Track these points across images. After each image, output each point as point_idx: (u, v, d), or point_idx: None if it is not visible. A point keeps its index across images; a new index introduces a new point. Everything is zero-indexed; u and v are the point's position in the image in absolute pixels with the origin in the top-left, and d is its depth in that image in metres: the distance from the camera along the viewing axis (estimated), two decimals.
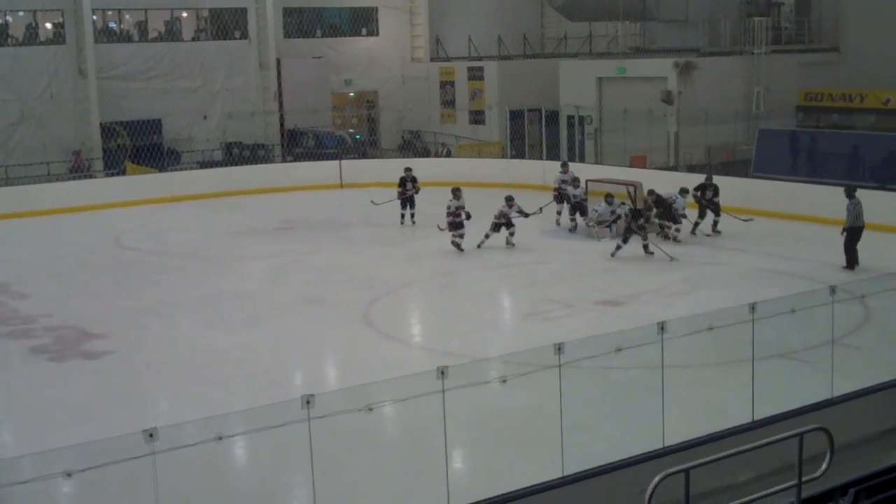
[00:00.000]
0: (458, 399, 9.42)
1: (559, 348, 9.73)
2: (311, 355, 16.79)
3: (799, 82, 36.54)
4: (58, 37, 37.67)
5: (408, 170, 26.43)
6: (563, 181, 25.37)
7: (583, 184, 24.93)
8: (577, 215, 24.54)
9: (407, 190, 26.01)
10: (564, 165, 26.28)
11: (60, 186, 32.65)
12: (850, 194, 20.48)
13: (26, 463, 9.56)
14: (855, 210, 20.12)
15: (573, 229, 24.53)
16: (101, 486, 9.97)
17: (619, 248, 21.75)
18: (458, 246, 22.60)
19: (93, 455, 8.56)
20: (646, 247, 21.74)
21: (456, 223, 22.63)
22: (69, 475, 8.21)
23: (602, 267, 21.51)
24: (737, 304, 13.64)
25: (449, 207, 22.68)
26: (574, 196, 24.60)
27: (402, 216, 26.12)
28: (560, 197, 25.46)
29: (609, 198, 23.44)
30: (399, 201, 26.16)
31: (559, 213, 25.48)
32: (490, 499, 9.24)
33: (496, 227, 22.80)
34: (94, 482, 8.80)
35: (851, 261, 20.05)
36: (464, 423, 11.54)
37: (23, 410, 14.36)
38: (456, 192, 22.78)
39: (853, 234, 20.13)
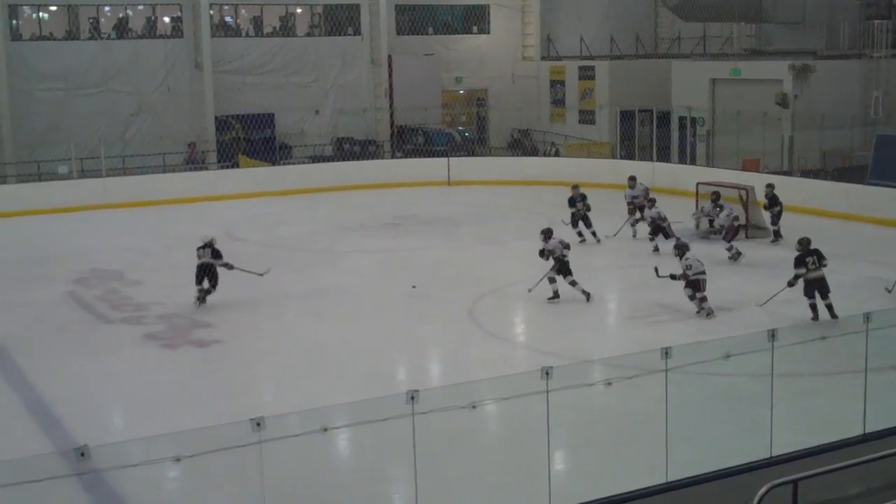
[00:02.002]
0: (562, 400, 9.37)
1: (666, 353, 9.61)
2: (415, 351, 16.88)
3: None
4: (176, 31, 38.48)
5: (575, 188, 24.49)
6: (634, 196, 24.55)
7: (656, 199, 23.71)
8: (660, 237, 22.77)
9: (578, 209, 24.10)
10: (632, 180, 25.07)
11: (175, 177, 33.35)
12: None
13: (136, 447, 9.76)
14: None
15: (657, 249, 22.64)
16: (208, 472, 10.17)
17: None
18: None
19: (201, 441, 8.71)
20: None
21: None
22: (178, 460, 8.36)
23: (710, 272, 21.17)
24: (850, 313, 13.35)
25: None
26: (651, 218, 23.07)
27: (580, 234, 23.93)
28: (634, 209, 24.74)
29: (715, 195, 22.98)
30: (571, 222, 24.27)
31: (633, 224, 24.48)
32: (591, 502, 9.16)
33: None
34: (202, 468, 8.96)
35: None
36: (567, 425, 11.48)
37: (134, 395, 14.71)
38: (681, 250, 18.26)
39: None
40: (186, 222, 27.58)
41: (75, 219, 28.63)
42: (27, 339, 17.16)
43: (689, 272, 17.67)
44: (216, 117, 37.94)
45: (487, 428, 12.75)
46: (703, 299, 17.75)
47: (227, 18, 40.27)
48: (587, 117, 41.14)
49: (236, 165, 35.64)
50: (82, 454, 7.68)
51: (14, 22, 36.26)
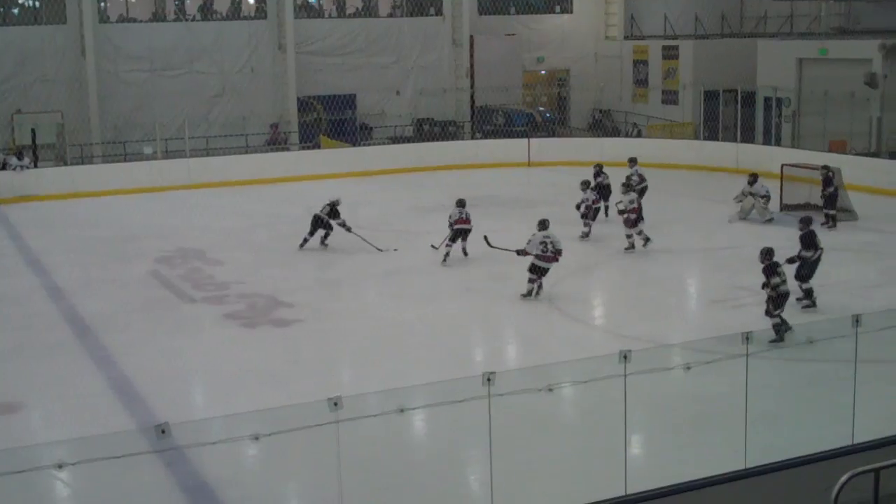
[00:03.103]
0: (640, 384, 9.28)
1: (747, 337, 9.46)
2: (493, 332, 16.86)
3: None
4: (259, 12, 38.79)
5: (596, 166, 24.76)
6: (629, 176, 24.15)
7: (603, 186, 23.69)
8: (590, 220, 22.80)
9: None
10: (631, 161, 24.84)
11: (257, 158, 33.69)
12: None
13: (216, 425, 9.89)
14: None
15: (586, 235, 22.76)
16: (285, 450, 10.26)
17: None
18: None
19: (279, 420, 8.80)
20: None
21: None
22: (256, 438, 8.45)
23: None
24: None
25: None
26: (584, 199, 22.71)
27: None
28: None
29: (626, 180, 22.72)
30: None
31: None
32: (668, 487, 9.09)
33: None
34: (280, 446, 9.04)
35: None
36: (644, 409, 11.38)
37: (215, 373, 14.92)
38: (539, 226, 18.91)
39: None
40: (268, 203, 27.87)
41: (159, 199, 29.07)
42: (111, 317, 17.48)
43: (528, 248, 18.02)
44: (298, 98, 38.20)
45: (564, 411, 12.70)
46: (532, 280, 17.91)
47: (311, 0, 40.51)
48: (670, 97, 40.63)
49: (318, 146, 35.83)
50: (163, 431, 7.80)
51: (102, 4, 36.85)
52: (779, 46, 37.07)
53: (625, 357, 9.00)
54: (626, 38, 43.81)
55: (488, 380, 8.60)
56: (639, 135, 39.05)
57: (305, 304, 18.02)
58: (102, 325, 17.03)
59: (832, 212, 23.07)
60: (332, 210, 21.87)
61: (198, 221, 25.77)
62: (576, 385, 10.33)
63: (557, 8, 44.06)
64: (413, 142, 37.04)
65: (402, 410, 8.94)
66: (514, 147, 34.05)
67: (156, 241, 23.28)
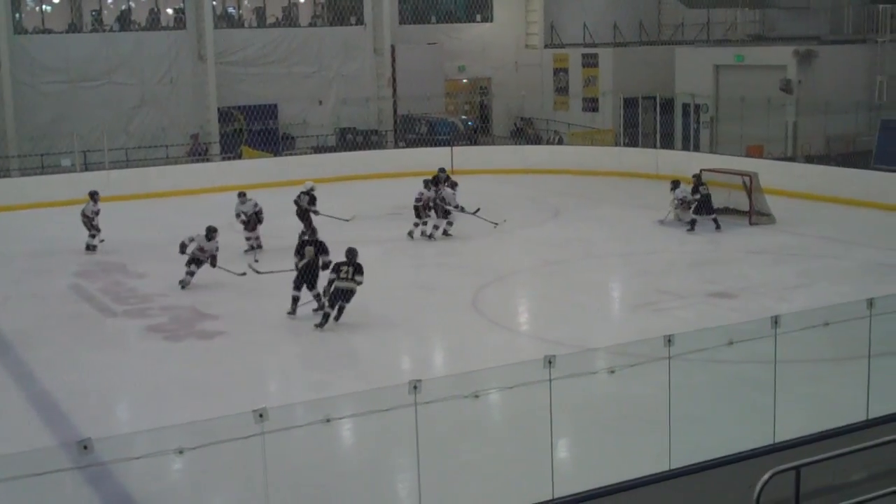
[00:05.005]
0: (565, 388, 9.35)
1: (669, 340, 9.59)
2: (419, 341, 16.86)
3: None
4: (178, 22, 38.43)
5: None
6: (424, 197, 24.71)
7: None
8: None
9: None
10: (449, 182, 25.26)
11: (178, 169, 33.30)
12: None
13: (140, 439, 9.76)
14: None
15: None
16: (212, 463, 10.17)
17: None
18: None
19: (204, 433, 8.72)
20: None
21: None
22: (181, 452, 8.36)
23: (714, 258, 21.21)
24: (854, 299, 13.30)
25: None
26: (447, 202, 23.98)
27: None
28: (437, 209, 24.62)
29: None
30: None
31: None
32: (595, 489, 9.17)
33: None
34: (206, 459, 8.97)
35: None
36: (570, 413, 11.45)
37: (138, 388, 14.72)
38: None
39: None
40: (189, 214, 27.52)
41: (79, 212, 28.59)
42: (32, 333, 17.17)
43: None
44: (219, 108, 37.89)
45: (491, 417, 12.75)
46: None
47: (230, 9, 40.23)
48: (591, 105, 41.06)
49: (239, 157, 35.56)
50: (85, 447, 7.67)
51: (17, 15, 36.23)
52: (696, 53, 37.66)
53: (549, 362, 9.05)
54: (546, 46, 44.15)
55: (415, 387, 8.61)
56: (560, 142, 39.39)
57: (229, 316, 17.86)
58: (22, 340, 16.71)
59: (694, 217, 23.54)
60: (311, 198, 22.94)
61: (118, 234, 25.38)
62: (502, 391, 10.38)
63: (478, 17, 44.28)
64: (336, 151, 36.94)
65: (328, 420, 8.91)
66: (437, 155, 34.02)
67: (75, 254, 22.95)
